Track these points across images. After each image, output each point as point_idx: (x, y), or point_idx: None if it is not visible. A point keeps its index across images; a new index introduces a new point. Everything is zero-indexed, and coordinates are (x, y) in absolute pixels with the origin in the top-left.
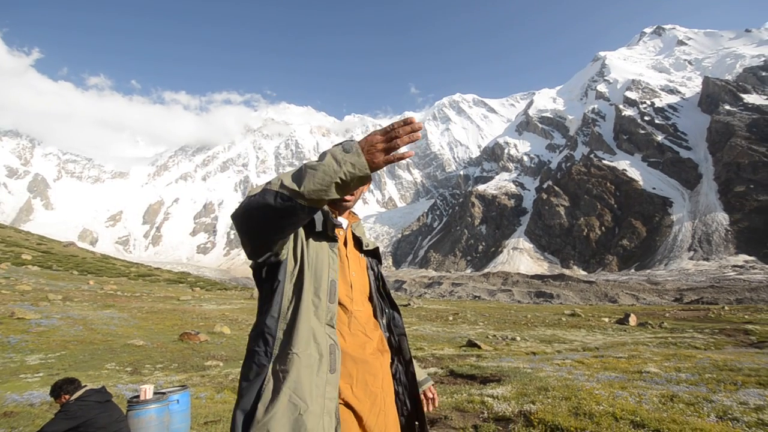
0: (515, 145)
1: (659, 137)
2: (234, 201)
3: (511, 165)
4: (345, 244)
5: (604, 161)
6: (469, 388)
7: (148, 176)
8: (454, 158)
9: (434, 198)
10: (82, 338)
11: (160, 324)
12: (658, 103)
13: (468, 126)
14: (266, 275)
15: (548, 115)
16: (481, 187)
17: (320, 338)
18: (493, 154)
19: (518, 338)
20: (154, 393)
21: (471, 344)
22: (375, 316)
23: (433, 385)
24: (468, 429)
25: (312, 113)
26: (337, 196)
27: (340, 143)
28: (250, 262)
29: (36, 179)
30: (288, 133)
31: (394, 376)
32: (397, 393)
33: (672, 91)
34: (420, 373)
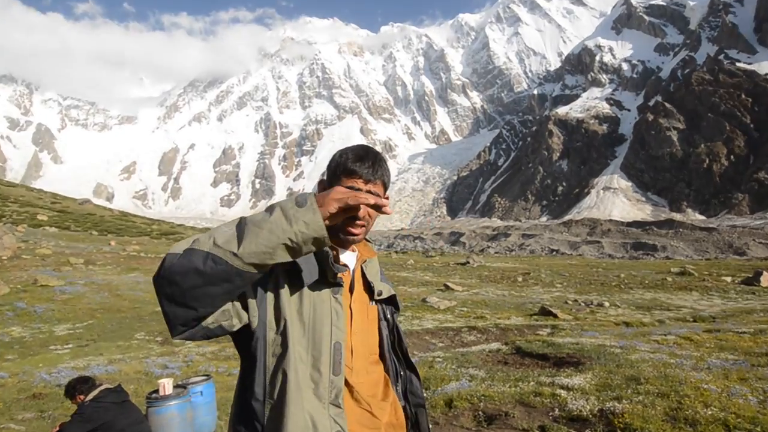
0: (611, 49)
1: None
2: (255, 144)
3: (604, 77)
4: (351, 290)
5: (739, 64)
6: (539, 375)
7: (158, 119)
8: (525, 73)
9: (499, 128)
10: (108, 305)
11: None
12: None
13: (545, 27)
14: (239, 347)
15: (660, 2)
16: (562, 110)
17: (322, 425)
18: (580, 63)
19: (606, 304)
20: (175, 387)
21: (544, 312)
22: (386, 381)
23: None
24: (533, 430)
25: (339, 27)
26: (285, 260)
27: (293, 196)
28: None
29: (39, 130)
30: (312, 56)
31: None
32: None
33: None
34: None
